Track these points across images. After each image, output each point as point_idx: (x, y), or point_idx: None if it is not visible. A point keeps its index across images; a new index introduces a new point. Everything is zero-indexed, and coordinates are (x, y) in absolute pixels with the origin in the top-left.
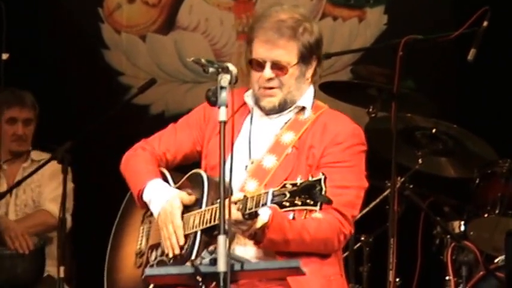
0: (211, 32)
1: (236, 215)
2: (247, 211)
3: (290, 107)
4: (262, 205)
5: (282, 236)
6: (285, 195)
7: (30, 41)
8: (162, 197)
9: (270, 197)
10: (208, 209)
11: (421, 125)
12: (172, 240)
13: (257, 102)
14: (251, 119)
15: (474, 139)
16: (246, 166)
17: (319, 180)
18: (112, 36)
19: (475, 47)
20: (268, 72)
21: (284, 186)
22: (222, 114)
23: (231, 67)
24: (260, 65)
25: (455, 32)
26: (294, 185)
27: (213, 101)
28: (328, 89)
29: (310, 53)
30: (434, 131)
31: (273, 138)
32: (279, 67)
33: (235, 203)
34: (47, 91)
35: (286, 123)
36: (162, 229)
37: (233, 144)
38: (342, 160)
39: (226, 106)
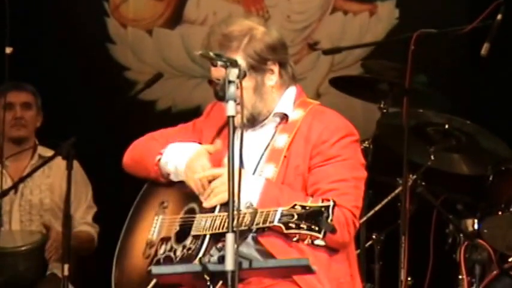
0: None
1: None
2: (255, 226)
3: (265, 117)
4: (270, 222)
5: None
6: (292, 216)
7: (34, 35)
8: (185, 151)
9: (278, 215)
10: (220, 215)
11: (434, 121)
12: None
13: None
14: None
15: (488, 135)
16: None
17: (328, 206)
18: (118, 31)
19: (489, 41)
20: None
21: (294, 206)
22: (231, 108)
23: (240, 60)
24: (217, 84)
25: (468, 25)
26: (303, 207)
27: (221, 96)
28: (338, 84)
29: (262, 60)
30: (447, 126)
31: (268, 147)
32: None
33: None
34: (51, 86)
35: (276, 130)
36: (191, 179)
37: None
38: (332, 156)
39: (235, 101)
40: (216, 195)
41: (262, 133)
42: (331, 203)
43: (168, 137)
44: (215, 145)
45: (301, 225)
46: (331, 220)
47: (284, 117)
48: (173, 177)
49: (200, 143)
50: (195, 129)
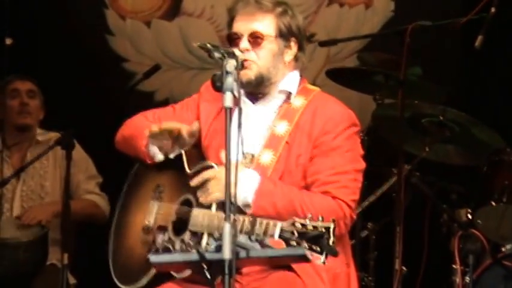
0: (217, 19)
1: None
2: (255, 236)
3: (268, 86)
4: (270, 236)
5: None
6: (293, 233)
7: (34, 26)
8: None
9: (278, 230)
10: (218, 215)
11: (428, 112)
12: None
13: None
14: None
15: (482, 127)
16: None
17: (328, 228)
18: (116, 22)
19: (483, 34)
20: (245, 43)
21: (293, 224)
22: (228, 99)
23: (237, 52)
24: (237, 38)
25: (463, 18)
26: (303, 225)
27: (218, 86)
28: (335, 76)
29: (289, 33)
30: (441, 118)
31: (267, 131)
32: (256, 37)
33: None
34: (50, 77)
35: (277, 112)
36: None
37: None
38: (334, 148)
39: (232, 92)
40: (210, 194)
41: (263, 110)
42: (331, 225)
43: (161, 117)
44: (192, 126)
45: (302, 245)
46: (333, 242)
47: (288, 96)
48: (160, 157)
49: (198, 120)
50: (188, 108)
